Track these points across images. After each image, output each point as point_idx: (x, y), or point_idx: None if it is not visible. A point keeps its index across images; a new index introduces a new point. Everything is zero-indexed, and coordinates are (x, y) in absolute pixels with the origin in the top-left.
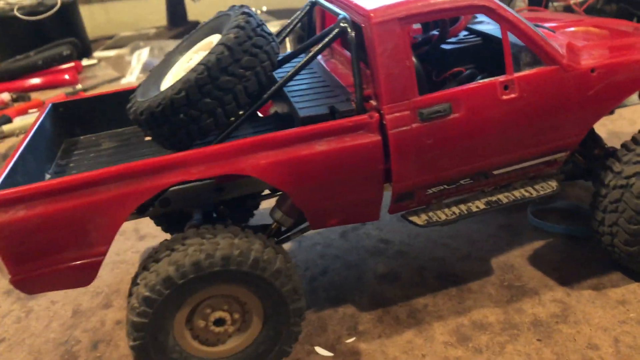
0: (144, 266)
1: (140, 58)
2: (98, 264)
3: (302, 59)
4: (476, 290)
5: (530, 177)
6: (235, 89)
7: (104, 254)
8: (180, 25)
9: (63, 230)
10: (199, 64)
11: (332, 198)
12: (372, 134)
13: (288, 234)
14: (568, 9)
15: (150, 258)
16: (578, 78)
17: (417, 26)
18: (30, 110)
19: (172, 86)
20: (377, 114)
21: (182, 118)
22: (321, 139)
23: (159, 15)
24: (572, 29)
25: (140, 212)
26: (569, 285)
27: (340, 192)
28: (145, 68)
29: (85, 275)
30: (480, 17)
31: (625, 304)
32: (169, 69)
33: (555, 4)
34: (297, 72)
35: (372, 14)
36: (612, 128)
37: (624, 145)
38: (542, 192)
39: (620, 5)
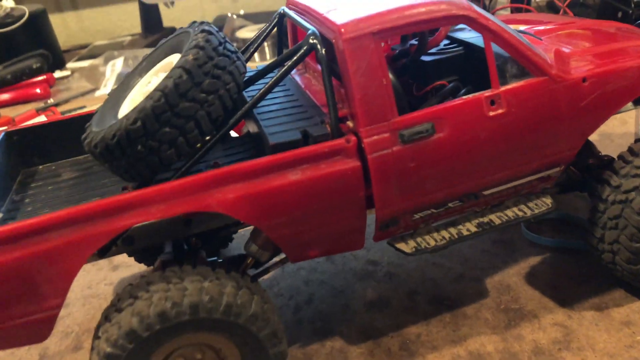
0: (105, 316)
1: (114, 68)
2: (52, 319)
3: (272, 76)
4: (471, 316)
5: (523, 195)
6: (197, 116)
7: (59, 307)
8: (155, 32)
9: (9, 284)
10: (156, 90)
11: (310, 230)
12: (350, 159)
13: (266, 266)
14: (551, 4)
15: (113, 306)
16: (569, 89)
17: None
18: (0, 128)
19: (127, 115)
20: (354, 138)
21: (139, 150)
22: (294, 167)
23: (133, 22)
24: (557, 32)
25: (101, 254)
26: (569, 306)
27: (319, 224)
28: (119, 79)
29: (38, 332)
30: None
31: (630, 325)
32: (127, 92)
33: (539, 0)
34: (266, 92)
35: (342, 29)
36: (603, 129)
37: (620, 157)
38: (537, 211)
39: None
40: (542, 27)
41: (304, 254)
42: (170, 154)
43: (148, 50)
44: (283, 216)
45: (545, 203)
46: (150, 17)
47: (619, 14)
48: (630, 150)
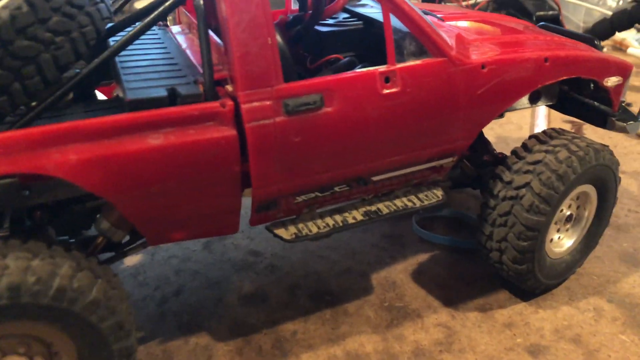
0: None
1: None
2: None
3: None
4: (353, 313)
5: (414, 185)
6: (40, 59)
7: None
8: None
9: None
10: None
11: (172, 207)
12: (224, 127)
13: (124, 249)
14: None
15: None
16: (467, 73)
17: (295, 7)
18: None
19: None
20: (231, 102)
21: None
22: (156, 130)
23: None
24: (462, 22)
25: None
26: (453, 306)
27: (183, 200)
28: None
29: None
30: (363, 0)
31: (511, 327)
32: None
33: (448, 4)
34: (129, 41)
35: None
36: (500, 132)
37: (514, 152)
38: (426, 202)
39: (509, 11)
40: (446, 14)
41: (164, 235)
42: (3, 102)
43: None
44: (139, 188)
45: (435, 195)
46: None
47: None
48: (524, 146)
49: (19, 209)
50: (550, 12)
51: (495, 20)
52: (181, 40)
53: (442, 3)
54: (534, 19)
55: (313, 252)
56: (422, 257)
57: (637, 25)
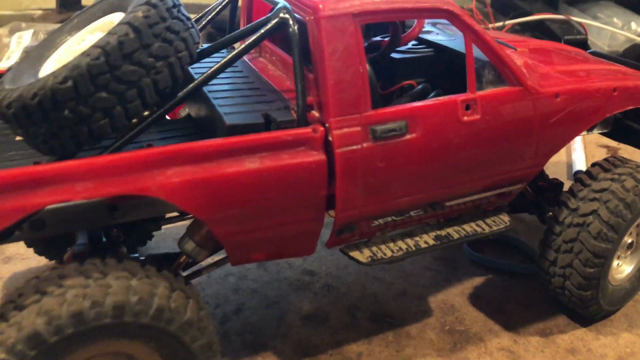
0: (1, 314)
1: (20, 41)
2: None
3: (224, 54)
4: (415, 336)
5: (482, 211)
6: (142, 83)
7: None
8: (71, 9)
9: None
10: (94, 46)
11: (261, 229)
12: (315, 152)
13: (199, 267)
14: None
15: (11, 303)
16: (542, 102)
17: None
18: None
19: (54, 72)
20: (322, 128)
21: (66, 115)
22: (253, 154)
23: None
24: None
25: (1, 238)
26: (514, 330)
27: (272, 222)
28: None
29: None
30: (428, 27)
31: (575, 353)
32: (52, 51)
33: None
34: (222, 69)
35: (320, 6)
36: None
37: (578, 180)
38: (495, 228)
39: (535, 34)
40: (509, 42)
41: (248, 256)
42: (104, 124)
43: None
44: (234, 209)
45: (502, 220)
46: None
47: None
48: (589, 173)
49: (100, 226)
50: (579, 37)
51: (556, 48)
52: (253, 63)
53: None
54: (562, 42)
55: (367, 274)
56: (477, 280)
57: None
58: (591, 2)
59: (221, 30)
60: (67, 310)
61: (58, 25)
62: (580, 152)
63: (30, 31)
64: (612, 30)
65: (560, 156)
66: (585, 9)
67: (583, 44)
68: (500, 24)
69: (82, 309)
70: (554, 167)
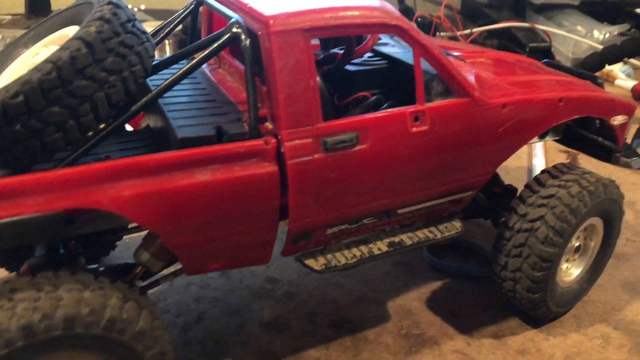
0: None
1: None
2: None
3: (183, 65)
4: (372, 340)
5: (434, 217)
6: (95, 97)
7: None
8: (41, 15)
9: None
10: (46, 61)
11: (215, 240)
12: (267, 163)
13: (156, 277)
14: (454, 39)
15: None
16: (489, 113)
17: (315, 41)
18: None
19: (6, 87)
20: (274, 140)
21: (18, 130)
22: (205, 166)
23: (16, 1)
24: (472, 59)
25: None
26: (468, 333)
27: (226, 233)
28: None
29: None
30: (385, 39)
31: (525, 354)
32: (7, 64)
33: (442, 34)
34: (176, 82)
35: (271, 21)
36: None
37: (528, 186)
38: (446, 234)
39: (502, 41)
40: (457, 53)
41: (203, 266)
42: (57, 138)
43: None
44: (186, 221)
45: (454, 226)
46: None
47: None
48: (537, 180)
49: (57, 239)
50: (543, 44)
51: (508, 58)
52: (211, 74)
53: (437, 33)
54: (527, 50)
55: (328, 280)
56: (435, 284)
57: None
58: (557, 10)
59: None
60: (17, 323)
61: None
62: (541, 157)
63: None
64: (575, 38)
65: (521, 161)
66: (551, 16)
67: (547, 52)
68: (467, 31)
69: (32, 322)
70: (515, 172)
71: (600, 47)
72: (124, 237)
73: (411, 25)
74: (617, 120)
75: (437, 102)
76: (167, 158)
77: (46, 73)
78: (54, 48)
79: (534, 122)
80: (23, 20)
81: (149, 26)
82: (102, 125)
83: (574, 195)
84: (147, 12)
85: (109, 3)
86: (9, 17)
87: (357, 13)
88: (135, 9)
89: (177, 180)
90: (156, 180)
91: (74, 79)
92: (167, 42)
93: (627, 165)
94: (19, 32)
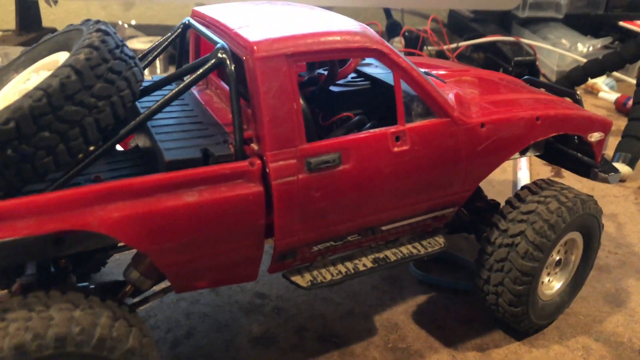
0: None
1: None
2: None
3: (171, 88)
4: (359, 354)
5: (417, 233)
6: (84, 122)
7: None
8: (32, 31)
9: None
10: (37, 88)
11: (202, 258)
12: (252, 184)
13: (146, 295)
14: (441, 53)
15: None
16: (468, 132)
17: None
18: None
19: None
20: (259, 161)
21: (9, 155)
22: (191, 188)
23: (5, 17)
24: (455, 78)
25: None
26: (453, 346)
27: (213, 252)
28: None
29: None
30: (369, 60)
31: None
32: None
33: (430, 47)
34: (164, 105)
35: (255, 47)
36: None
37: (508, 202)
38: (430, 250)
39: (488, 55)
40: (441, 72)
41: (191, 284)
42: (47, 162)
43: (21, 49)
44: (174, 241)
45: (438, 242)
46: (28, 14)
47: (500, 70)
48: (517, 196)
49: (47, 258)
50: (528, 58)
51: (490, 77)
52: (198, 96)
53: (424, 47)
54: (512, 63)
55: (316, 295)
56: (421, 298)
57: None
58: (542, 23)
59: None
60: (9, 343)
61: (19, 47)
62: (525, 170)
63: None
64: (559, 51)
65: (506, 174)
66: (536, 30)
67: (532, 65)
68: (454, 45)
69: (24, 341)
70: (500, 185)
71: (584, 60)
72: (115, 254)
73: (391, 49)
74: (594, 137)
75: (418, 123)
76: (154, 180)
77: (37, 100)
78: (44, 73)
79: (513, 140)
80: (13, 37)
81: (140, 42)
82: (91, 148)
83: (552, 211)
84: (137, 27)
85: (98, 30)
86: (0, 33)
87: (338, 38)
88: (126, 25)
89: (164, 201)
90: (144, 202)
91: (64, 104)
92: (157, 58)
93: (604, 181)
94: (10, 49)
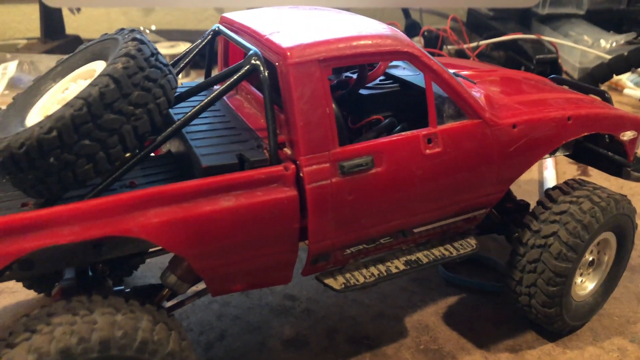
0: None
1: (5, 72)
2: None
3: (203, 96)
4: (392, 355)
5: (449, 235)
6: (122, 130)
7: None
8: (56, 39)
9: None
10: (77, 97)
11: (239, 262)
12: (287, 188)
13: (181, 298)
14: (460, 52)
15: (2, 341)
16: (500, 133)
17: None
18: None
19: (40, 123)
20: (293, 166)
21: (52, 163)
22: (228, 192)
23: (30, 25)
24: (483, 79)
25: None
26: (485, 347)
27: (248, 256)
28: (12, 84)
29: None
30: (396, 62)
31: None
32: (37, 98)
33: (449, 47)
34: (199, 112)
35: (289, 53)
36: None
37: (540, 203)
38: (462, 252)
39: (509, 53)
40: (467, 72)
41: (227, 287)
42: (88, 169)
43: (46, 56)
44: (212, 245)
45: (469, 244)
46: (52, 22)
47: (522, 68)
48: (549, 196)
49: (86, 264)
50: (550, 55)
51: (516, 76)
52: (229, 101)
53: (444, 47)
54: (534, 62)
55: (346, 296)
56: (451, 300)
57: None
58: (563, 20)
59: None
60: (56, 347)
61: (43, 55)
62: (552, 170)
63: (15, 62)
64: (581, 48)
65: (532, 174)
66: (557, 27)
67: (554, 63)
68: (474, 44)
69: (70, 345)
70: (527, 185)
71: (608, 56)
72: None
73: (422, 52)
74: (627, 135)
75: (449, 124)
76: (192, 186)
77: (78, 109)
78: (81, 82)
79: (544, 140)
80: (39, 45)
81: (162, 47)
82: (128, 155)
83: (585, 211)
84: (158, 32)
85: (134, 39)
86: (25, 41)
87: (370, 42)
88: (147, 31)
89: (202, 206)
90: (183, 207)
91: (104, 113)
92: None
93: (638, 180)
94: (35, 56)
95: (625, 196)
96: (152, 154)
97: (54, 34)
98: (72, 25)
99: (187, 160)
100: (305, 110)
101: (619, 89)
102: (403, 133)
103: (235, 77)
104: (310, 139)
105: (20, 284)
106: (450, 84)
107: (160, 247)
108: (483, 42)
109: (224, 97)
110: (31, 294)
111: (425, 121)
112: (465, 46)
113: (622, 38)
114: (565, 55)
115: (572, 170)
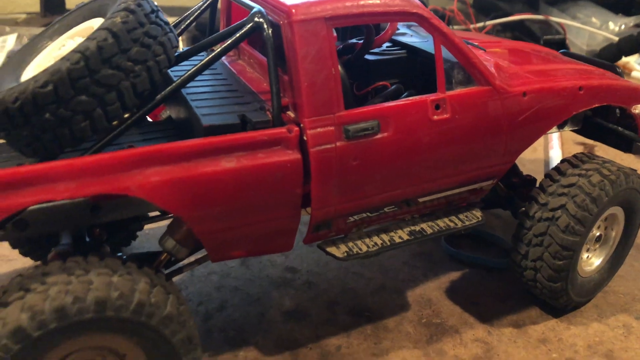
0: None
1: (4, 45)
2: None
3: (203, 57)
4: (393, 329)
5: (454, 206)
6: (121, 86)
7: None
8: (56, 13)
9: None
10: (74, 51)
11: (239, 226)
12: (290, 151)
13: (180, 265)
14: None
15: None
16: (510, 101)
17: None
18: None
19: (35, 77)
20: (297, 128)
21: (47, 119)
22: (229, 153)
23: (30, 0)
24: (490, 49)
25: None
26: (489, 322)
27: (250, 220)
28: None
29: None
30: (403, 29)
31: (546, 342)
32: (33, 56)
33: (456, 27)
34: (199, 71)
35: (293, 10)
36: None
37: (548, 176)
38: (467, 223)
39: (515, 34)
40: (476, 43)
41: (227, 253)
42: (84, 126)
43: None
44: (212, 208)
45: (475, 216)
46: None
47: None
48: (557, 169)
49: (83, 226)
50: (557, 36)
51: (525, 48)
52: (230, 66)
53: (450, 26)
54: (542, 42)
55: (347, 269)
56: (454, 274)
57: None
58: (571, 2)
59: (205, 33)
60: (50, 306)
61: (42, 29)
62: (557, 149)
63: (14, 35)
64: (589, 29)
65: (537, 153)
66: (565, 8)
67: (562, 44)
68: (481, 24)
69: (65, 304)
70: (532, 164)
71: (617, 38)
72: (145, 227)
73: (431, 13)
74: (638, 108)
75: (458, 90)
76: (193, 145)
77: (74, 62)
78: (79, 40)
79: (554, 110)
80: (38, 19)
81: None
82: (126, 115)
83: (594, 184)
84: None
85: None
86: (25, 15)
87: (378, 1)
88: None
89: (203, 167)
90: (183, 167)
91: (101, 68)
92: (181, 38)
93: None
94: (35, 30)
95: (636, 170)
96: (152, 121)
97: (54, 9)
98: (73, 0)
99: (188, 124)
100: (309, 71)
101: (626, 72)
102: (411, 98)
103: (237, 35)
104: (315, 101)
105: (16, 252)
106: (459, 48)
107: (158, 213)
108: (490, 22)
109: (227, 62)
110: (28, 262)
111: (433, 90)
112: (472, 26)
113: (631, 20)
114: (573, 37)
115: (577, 150)
